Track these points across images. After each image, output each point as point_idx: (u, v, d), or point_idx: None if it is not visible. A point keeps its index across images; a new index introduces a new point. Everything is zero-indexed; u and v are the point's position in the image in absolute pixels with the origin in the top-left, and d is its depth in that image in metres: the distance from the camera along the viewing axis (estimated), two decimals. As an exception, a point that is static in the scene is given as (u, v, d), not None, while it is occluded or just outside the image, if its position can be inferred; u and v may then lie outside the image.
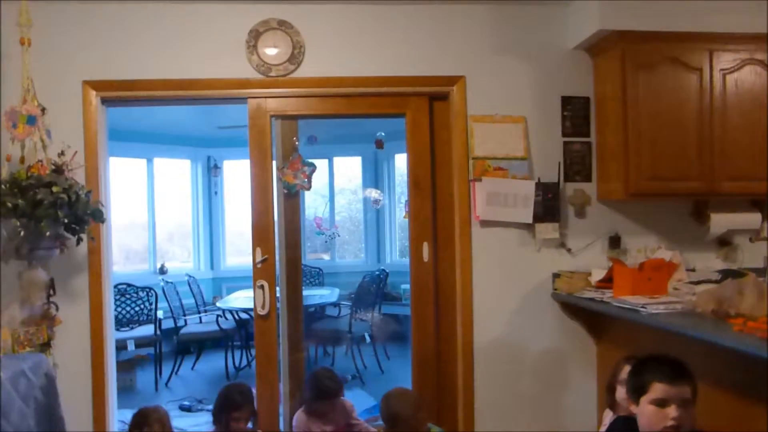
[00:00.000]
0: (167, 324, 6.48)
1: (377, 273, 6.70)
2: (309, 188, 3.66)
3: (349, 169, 8.65)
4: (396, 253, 8.15)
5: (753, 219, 3.75)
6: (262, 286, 3.50)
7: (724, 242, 3.85)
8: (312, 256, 8.54)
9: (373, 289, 6.47)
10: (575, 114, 3.71)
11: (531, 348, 3.66)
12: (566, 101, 3.70)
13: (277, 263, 3.60)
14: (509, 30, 3.67)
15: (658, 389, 2.05)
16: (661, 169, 3.41)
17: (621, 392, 2.58)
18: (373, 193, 7.87)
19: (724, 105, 3.46)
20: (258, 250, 3.52)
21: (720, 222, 3.70)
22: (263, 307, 3.50)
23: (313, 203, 8.50)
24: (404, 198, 7.18)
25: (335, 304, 6.47)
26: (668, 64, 3.43)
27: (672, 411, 2.00)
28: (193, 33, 3.50)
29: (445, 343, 3.68)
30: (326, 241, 7.79)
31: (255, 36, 3.49)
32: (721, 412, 2.58)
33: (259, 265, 3.52)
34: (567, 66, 3.71)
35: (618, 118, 3.45)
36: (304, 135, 4.05)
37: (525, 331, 3.66)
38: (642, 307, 2.90)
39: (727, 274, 3.59)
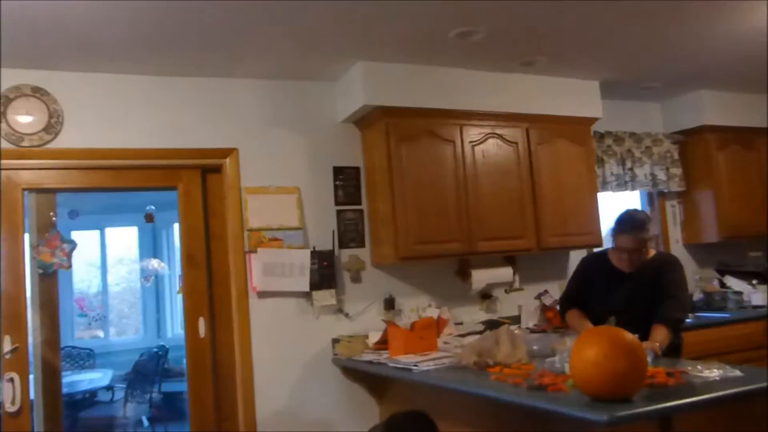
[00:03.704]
0: None
1: (156, 350, 6.28)
2: (69, 267, 3.35)
3: (126, 238, 8.12)
4: (178, 326, 7.73)
5: (507, 273, 4.19)
6: (11, 380, 3.10)
7: (485, 295, 4.22)
8: (83, 333, 7.78)
9: (152, 367, 6.04)
10: (347, 183, 3.88)
11: (316, 416, 3.65)
12: (338, 171, 3.87)
13: (31, 351, 3.21)
14: (281, 104, 3.78)
15: None
16: (426, 233, 3.68)
17: None
18: (152, 264, 7.45)
19: (476, 173, 3.85)
20: (7, 338, 3.13)
21: (480, 278, 4.07)
22: (13, 403, 3.09)
23: (87, 275, 7.82)
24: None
25: (108, 388, 5.92)
26: (427, 136, 3.75)
27: None
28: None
29: (227, 422, 3.53)
30: (90, 324, 7.17)
31: (5, 102, 3.20)
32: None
33: (8, 356, 3.12)
34: (338, 138, 3.89)
35: (386, 186, 3.67)
36: (66, 208, 3.74)
37: (309, 399, 3.65)
38: (414, 365, 3.05)
39: (489, 324, 3.95)
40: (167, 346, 6.49)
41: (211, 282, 3.60)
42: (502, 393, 2.38)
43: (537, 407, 2.16)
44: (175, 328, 7.72)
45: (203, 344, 3.52)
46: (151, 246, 7.86)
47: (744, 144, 4.96)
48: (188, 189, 3.57)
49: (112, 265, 8.05)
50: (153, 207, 4.29)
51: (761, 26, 3.50)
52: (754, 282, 4.74)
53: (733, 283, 4.78)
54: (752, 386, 2.14)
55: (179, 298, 7.62)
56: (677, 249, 4.93)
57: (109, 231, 7.84)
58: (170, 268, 7.69)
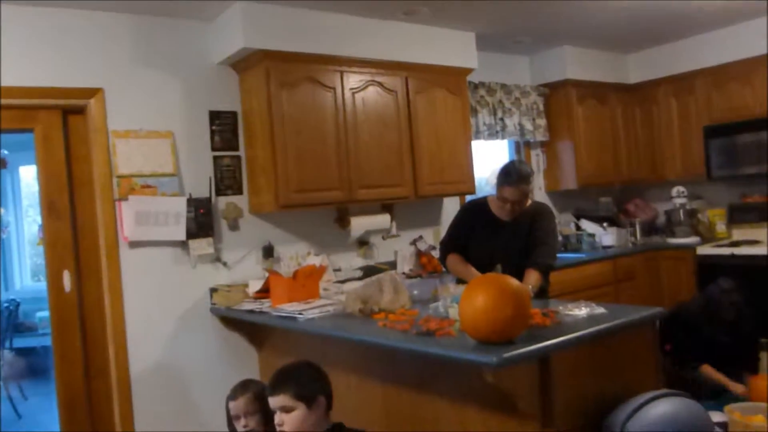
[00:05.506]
0: None
1: (6, 304, 5.80)
2: None
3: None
4: (27, 277, 7.17)
5: (384, 220, 4.27)
6: None
7: (362, 242, 4.28)
8: None
9: (3, 323, 5.58)
10: (224, 128, 3.72)
11: (194, 367, 3.58)
12: (215, 116, 3.70)
13: None
14: (152, 42, 3.52)
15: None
16: (307, 181, 3.64)
17: None
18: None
19: (356, 121, 3.84)
20: None
21: (359, 225, 4.12)
22: None
23: None
24: (32, 211, 6.28)
25: (-49, 348, 5.40)
26: (308, 82, 3.66)
27: (276, 417, 2.22)
28: None
29: (98, 379, 3.36)
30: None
31: None
32: (372, 400, 2.86)
33: None
34: (214, 81, 3.70)
35: (265, 133, 3.56)
36: None
37: (187, 350, 3.55)
38: (299, 313, 3.04)
39: (366, 270, 4.02)
40: (18, 300, 6.02)
41: (76, 232, 3.35)
42: (392, 340, 2.44)
43: (428, 353, 2.25)
44: (24, 279, 7.15)
45: (69, 299, 3.29)
46: (-8, 190, 7.14)
47: (600, 99, 5.33)
48: (47, 132, 3.25)
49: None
50: (6, 152, 3.85)
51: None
52: (604, 225, 5.19)
53: (587, 226, 5.20)
54: (622, 320, 2.36)
55: (27, 246, 7.07)
56: (540, 195, 5.26)
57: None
58: (15, 214, 7.06)
